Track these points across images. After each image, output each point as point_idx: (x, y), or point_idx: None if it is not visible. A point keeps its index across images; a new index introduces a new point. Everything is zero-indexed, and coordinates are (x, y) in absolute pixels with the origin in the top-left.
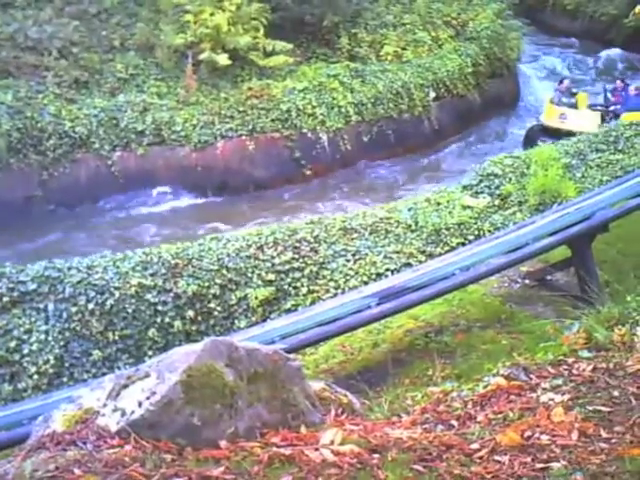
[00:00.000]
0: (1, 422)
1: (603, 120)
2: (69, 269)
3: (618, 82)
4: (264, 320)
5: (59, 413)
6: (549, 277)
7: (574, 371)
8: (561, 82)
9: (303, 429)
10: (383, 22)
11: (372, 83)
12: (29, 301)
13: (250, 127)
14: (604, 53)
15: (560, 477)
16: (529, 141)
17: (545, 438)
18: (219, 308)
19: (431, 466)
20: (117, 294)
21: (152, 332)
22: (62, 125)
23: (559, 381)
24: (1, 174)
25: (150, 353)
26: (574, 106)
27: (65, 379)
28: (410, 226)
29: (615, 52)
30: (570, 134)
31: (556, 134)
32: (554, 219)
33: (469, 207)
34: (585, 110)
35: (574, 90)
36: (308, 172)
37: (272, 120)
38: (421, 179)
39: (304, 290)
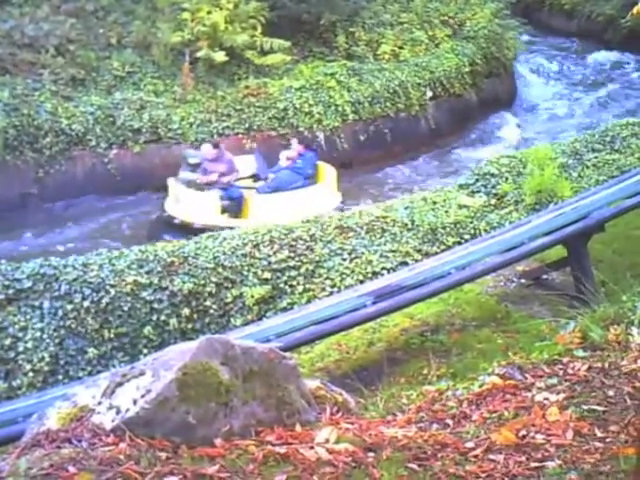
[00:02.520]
0: None
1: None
2: (65, 267)
3: (295, 144)
4: (260, 318)
5: (54, 411)
6: (545, 276)
7: (569, 370)
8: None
9: (298, 427)
10: (380, 21)
11: (369, 82)
12: (24, 298)
13: (247, 125)
14: (592, 57)
15: (555, 476)
16: (152, 235)
17: (540, 437)
18: (215, 306)
19: (426, 465)
20: (113, 292)
21: (147, 330)
22: (58, 122)
23: (554, 380)
24: None
25: (145, 351)
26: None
27: (60, 377)
28: (406, 225)
29: (605, 54)
30: (197, 230)
31: (185, 228)
32: (550, 218)
33: (465, 206)
34: (210, 191)
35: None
36: None
37: (269, 118)
38: (418, 178)
39: (300, 288)
